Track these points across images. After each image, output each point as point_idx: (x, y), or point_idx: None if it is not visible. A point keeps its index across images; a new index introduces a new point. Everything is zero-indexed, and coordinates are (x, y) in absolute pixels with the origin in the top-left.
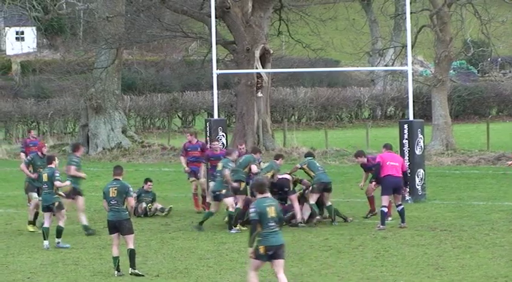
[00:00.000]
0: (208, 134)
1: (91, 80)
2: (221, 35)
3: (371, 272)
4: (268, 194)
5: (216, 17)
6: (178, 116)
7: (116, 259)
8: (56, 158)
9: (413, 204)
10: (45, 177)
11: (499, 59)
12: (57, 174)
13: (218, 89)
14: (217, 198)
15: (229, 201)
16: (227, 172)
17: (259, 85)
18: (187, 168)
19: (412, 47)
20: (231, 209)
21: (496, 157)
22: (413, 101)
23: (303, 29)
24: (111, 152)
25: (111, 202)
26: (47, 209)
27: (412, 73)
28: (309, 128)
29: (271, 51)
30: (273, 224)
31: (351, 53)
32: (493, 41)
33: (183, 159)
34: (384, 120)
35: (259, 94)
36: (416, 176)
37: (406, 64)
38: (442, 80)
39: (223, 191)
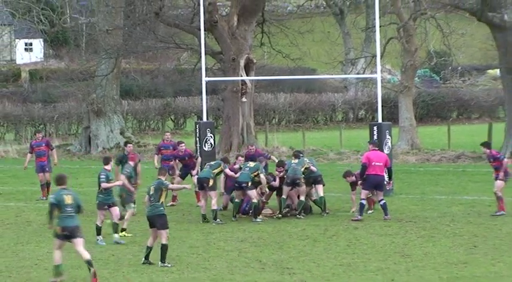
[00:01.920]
0: (197, 135)
1: (92, 87)
2: (209, 46)
3: (344, 258)
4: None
5: (205, 30)
6: (171, 118)
7: (148, 249)
8: (111, 159)
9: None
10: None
11: (459, 68)
12: (103, 176)
13: (207, 94)
14: (242, 188)
15: (253, 193)
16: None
17: (243, 91)
18: (156, 165)
19: (381, 56)
20: (254, 200)
21: (456, 156)
22: (382, 105)
23: (283, 40)
24: (110, 151)
25: (150, 199)
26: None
27: (381, 80)
28: (288, 129)
29: (255, 61)
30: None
31: (326, 62)
32: (453, 51)
33: (156, 158)
34: (356, 122)
35: (244, 99)
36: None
37: (376, 72)
38: (408, 86)
39: (249, 184)
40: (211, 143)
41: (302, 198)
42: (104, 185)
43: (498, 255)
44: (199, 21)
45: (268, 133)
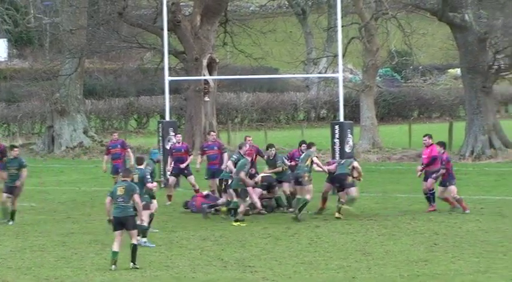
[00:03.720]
0: (161, 134)
1: (56, 86)
2: (172, 45)
3: (305, 257)
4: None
5: (168, 30)
6: (134, 118)
7: (115, 254)
8: (144, 158)
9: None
10: (135, 178)
11: (420, 67)
12: (148, 176)
13: (170, 94)
14: (300, 183)
15: (309, 187)
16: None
17: (206, 90)
18: (105, 168)
19: (343, 56)
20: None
21: (417, 154)
22: (344, 105)
23: (246, 40)
24: (73, 150)
25: (118, 200)
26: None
27: (343, 80)
28: (250, 128)
29: (217, 60)
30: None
31: (288, 62)
32: (414, 51)
33: (106, 158)
34: (318, 121)
35: (206, 98)
36: None
37: (338, 72)
38: (370, 85)
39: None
40: (173, 142)
41: (308, 196)
42: (150, 185)
43: (458, 253)
44: (163, 21)
45: (231, 132)
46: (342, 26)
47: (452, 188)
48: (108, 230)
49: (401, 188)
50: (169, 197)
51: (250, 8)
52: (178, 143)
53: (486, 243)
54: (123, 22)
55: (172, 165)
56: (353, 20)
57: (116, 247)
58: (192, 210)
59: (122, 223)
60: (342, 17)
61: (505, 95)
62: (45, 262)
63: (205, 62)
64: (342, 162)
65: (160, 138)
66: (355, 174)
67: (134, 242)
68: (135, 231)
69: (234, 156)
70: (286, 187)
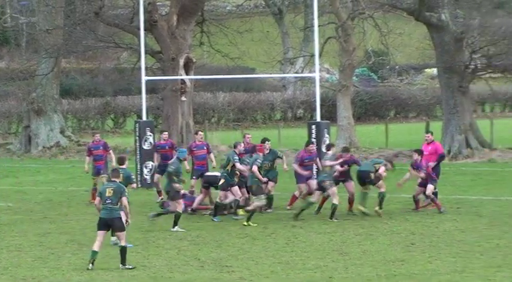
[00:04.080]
0: (137, 134)
1: (33, 86)
2: (149, 45)
3: (282, 256)
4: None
5: (144, 30)
6: (110, 118)
7: (94, 253)
8: (126, 158)
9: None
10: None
11: (397, 67)
12: (133, 176)
13: (146, 93)
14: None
15: (333, 191)
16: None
17: (183, 90)
18: (87, 168)
19: (320, 56)
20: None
21: (394, 154)
22: (321, 104)
23: (222, 40)
24: (50, 150)
25: (106, 201)
26: None
27: (319, 79)
28: (227, 128)
29: (194, 60)
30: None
31: (265, 62)
32: (391, 50)
33: (87, 159)
34: (294, 121)
35: (183, 98)
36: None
37: (314, 71)
38: (346, 85)
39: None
40: (150, 142)
41: (335, 200)
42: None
43: (435, 252)
44: (139, 20)
45: (208, 132)
46: (319, 26)
47: (430, 187)
48: (85, 230)
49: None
50: (160, 192)
51: (227, 8)
52: (165, 140)
53: (463, 243)
54: (100, 22)
55: (158, 162)
56: (329, 20)
57: (96, 247)
58: (168, 210)
59: (107, 224)
60: (318, 17)
61: (481, 95)
62: (22, 262)
63: (181, 62)
64: (369, 160)
65: (137, 138)
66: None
67: (122, 244)
68: (122, 233)
69: (235, 157)
70: (271, 186)
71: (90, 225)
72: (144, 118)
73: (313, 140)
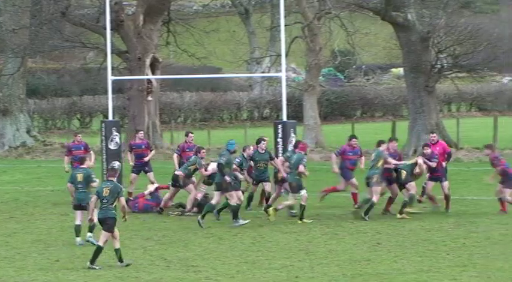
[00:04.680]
0: (104, 134)
1: None
2: (116, 45)
3: (248, 256)
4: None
5: (111, 29)
6: (77, 117)
7: (116, 251)
8: (87, 158)
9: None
10: (80, 177)
11: (363, 66)
12: (93, 175)
13: (113, 93)
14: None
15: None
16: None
17: (149, 90)
18: (67, 168)
19: (286, 55)
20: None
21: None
22: (287, 104)
23: (189, 39)
24: (16, 150)
25: (103, 201)
26: (80, 207)
27: (286, 79)
28: (193, 128)
29: (160, 60)
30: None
31: (231, 61)
32: (358, 50)
33: (66, 159)
34: (261, 121)
35: (149, 98)
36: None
37: (281, 71)
38: (313, 85)
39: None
40: (116, 142)
41: (374, 198)
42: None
43: (401, 252)
44: (105, 20)
45: (174, 132)
46: (285, 26)
47: (412, 184)
48: (51, 229)
49: None
50: (130, 193)
51: (194, 8)
52: (141, 139)
53: (429, 242)
54: (66, 21)
55: (134, 161)
56: (296, 20)
57: (115, 245)
58: (133, 210)
59: (102, 223)
60: (285, 17)
61: (448, 94)
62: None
63: (148, 62)
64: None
65: (103, 137)
66: (417, 170)
67: (116, 246)
68: (108, 234)
69: (237, 160)
70: (268, 187)
71: (56, 225)
72: (110, 118)
73: (279, 140)
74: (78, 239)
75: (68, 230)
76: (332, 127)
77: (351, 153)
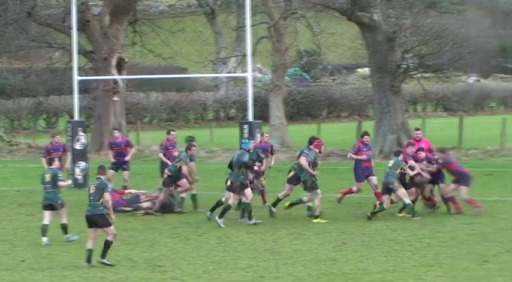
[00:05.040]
0: (70, 134)
1: None
2: (82, 45)
3: (214, 256)
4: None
5: (77, 29)
6: (43, 118)
7: (89, 251)
8: (55, 159)
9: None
10: (48, 177)
11: (329, 67)
12: (60, 175)
13: (79, 93)
14: (391, 190)
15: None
16: None
17: (115, 90)
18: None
19: (252, 55)
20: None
21: (326, 154)
22: (253, 104)
23: (155, 40)
24: None
25: (90, 198)
26: (49, 207)
27: (252, 79)
28: (159, 128)
29: (126, 60)
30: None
31: (197, 62)
32: (323, 50)
33: (44, 160)
34: (227, 121)
35: (115, 98)
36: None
37: (247, 71)
38: (279, 85)
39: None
40: (82, 142)
41: (407, 200)
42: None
43: (366, 252)
44: (72, 20)
45: (140, 132)
46: (251, 26)
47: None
48: (17, 230)
49: None
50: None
51: (160, 8)
52: (117, 138)
53: (394, 242)
54: (32, 21)
55: (113, 159)
56: (262, 20)
57: (89, 245)
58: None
59: (92, 221)
60: (251, 17)
61: (413, 94)
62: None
63: (114, 62)
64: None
65: (69, 137)
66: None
67: (109, 238)
68: (109, 229)
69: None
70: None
71: (22, 226)
72: (77, 118)
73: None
74: (44, 239)
75: (34, 230)
76: (298, 127)
77: (365, 149)
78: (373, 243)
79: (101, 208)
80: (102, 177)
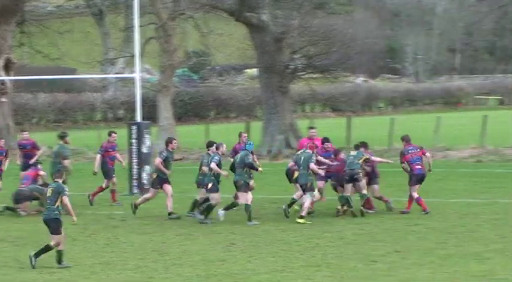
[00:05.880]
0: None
1: None
2: None
3: (102, 257)
4: None
5: None
6: None
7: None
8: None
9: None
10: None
11: (217, 67)
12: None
13: None
14: (356, 180)
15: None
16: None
17: (3, 91)
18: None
19: (141, 56)
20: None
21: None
22: (141, 105)
23: (43, 40)
24: None
25: (47, 201)
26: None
27: (140, 80)
28: (47, 129)
29: (14, 61)
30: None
31: (85, 62)
32: (212, 51)
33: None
34: (115, 122)
35: (3, 99)
36: (143, 171)
37: (135, 72)
38: (167, 86)
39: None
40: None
41: (364, 191)
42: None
43: (255, 252)
44: None
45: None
46: (140, 26)
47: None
48: None
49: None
50: None
51: (47, 8)
52: (25, 140)
53: (283, 242)
54: None
55: (20, 160)
56: (150, 20)
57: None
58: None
59: (47, 225)
60: (139, 17)
61: (302, 95)
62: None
63: (1, 63)
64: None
65: (134, 140)
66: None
67: (51, 244)
68: (55, 237)
69: (216, 158)
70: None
71: None
72: None
73: (133, 140)
74: None
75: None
76: (186, 128)
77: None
78: (261, 243)
79: (56, 212)
80: (59, 181)
